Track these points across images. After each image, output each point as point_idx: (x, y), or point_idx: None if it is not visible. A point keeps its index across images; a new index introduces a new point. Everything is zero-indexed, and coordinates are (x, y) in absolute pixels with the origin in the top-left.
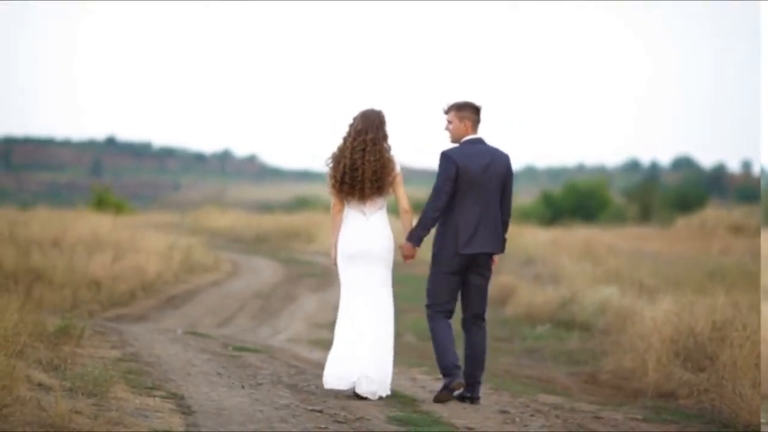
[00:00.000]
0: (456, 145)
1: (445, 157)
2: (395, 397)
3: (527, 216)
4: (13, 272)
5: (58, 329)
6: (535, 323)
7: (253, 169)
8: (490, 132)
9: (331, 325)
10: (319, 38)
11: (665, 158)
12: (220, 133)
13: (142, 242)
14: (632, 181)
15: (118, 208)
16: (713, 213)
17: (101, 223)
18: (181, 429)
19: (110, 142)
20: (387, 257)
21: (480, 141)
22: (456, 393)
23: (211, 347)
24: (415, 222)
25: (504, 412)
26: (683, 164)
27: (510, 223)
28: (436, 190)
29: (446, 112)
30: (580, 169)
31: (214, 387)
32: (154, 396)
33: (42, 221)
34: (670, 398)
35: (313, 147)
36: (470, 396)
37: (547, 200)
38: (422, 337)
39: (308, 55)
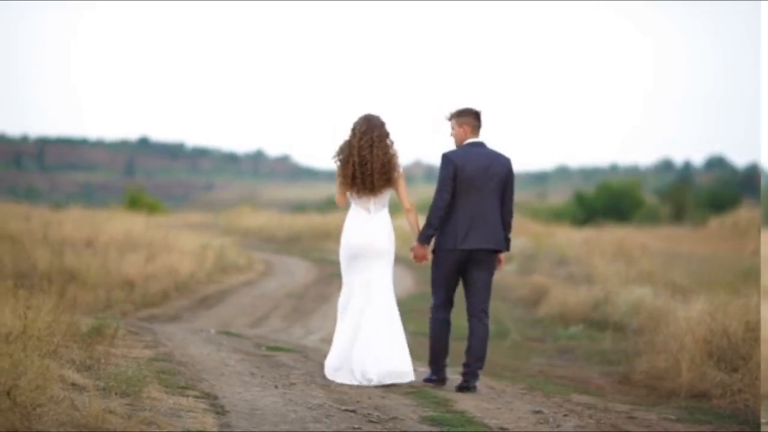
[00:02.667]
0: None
1: (444, 158)
2: (428, 396)
3: (560, 216)
4: (46, 272)
5: (91, 329)
6: (568, 323)
7: (286, 169)
8: (523, 133)
9: None
10: (352, 39)
11: (698, 158)
12: (253, 133)
13: (175, 242)
14: (665, 181)
15: (152, 209)
16: (746, 213)
17: (134, 223)
18: (214, 429)
19: (143, 142)
20: (389, 253)
21: (480, 144)
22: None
23: (245, 347)
24: (421, 221)
25: (537, 412)
26: (716, 164)
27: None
28: (438, 190)
29: (449, 120)
30: (614, 169)
31: (247, 387)
32: (188, 396)
33: (75, 221)
34: (703, 398)
35: None
36: (466, 386)
37: (581, 200)
38: (453, 336)
39: (341, 56)
